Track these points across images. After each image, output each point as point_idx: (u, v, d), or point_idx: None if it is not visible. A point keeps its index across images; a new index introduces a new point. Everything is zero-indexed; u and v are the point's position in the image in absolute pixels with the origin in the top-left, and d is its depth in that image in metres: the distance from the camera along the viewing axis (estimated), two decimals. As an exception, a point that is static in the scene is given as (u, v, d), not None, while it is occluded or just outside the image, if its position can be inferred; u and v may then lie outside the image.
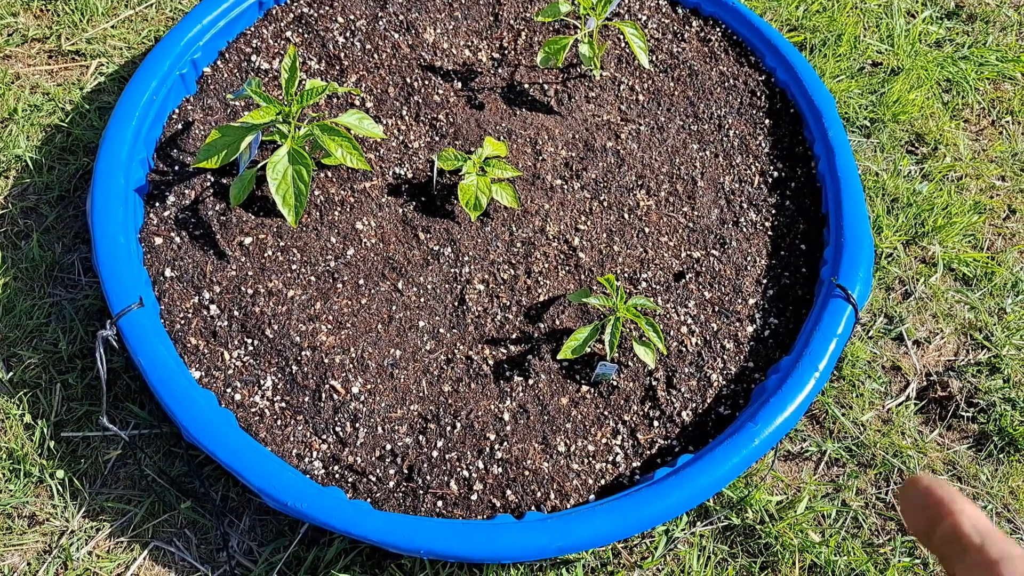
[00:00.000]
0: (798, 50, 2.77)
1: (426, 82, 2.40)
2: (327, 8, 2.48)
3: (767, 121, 2.46)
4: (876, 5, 3.05)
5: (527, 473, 1.82)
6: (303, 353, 1.90)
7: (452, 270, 2.09)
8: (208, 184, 2.11)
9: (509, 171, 2.14)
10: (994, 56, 2.96)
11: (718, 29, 2.65)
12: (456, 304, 2.04)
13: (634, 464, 1.88)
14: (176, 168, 2.13)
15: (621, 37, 2.59)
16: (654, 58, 2.56)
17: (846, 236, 2.11)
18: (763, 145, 2.42)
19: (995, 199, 2.59)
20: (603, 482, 1.84)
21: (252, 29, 2.42)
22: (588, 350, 1.99)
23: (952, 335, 2.30)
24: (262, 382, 1.86)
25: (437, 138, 2.31)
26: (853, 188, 2.20)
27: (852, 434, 2.08)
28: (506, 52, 2.53)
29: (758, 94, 2.51)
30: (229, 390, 1.84)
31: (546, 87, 2.46)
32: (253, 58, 2.36)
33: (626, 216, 2.24)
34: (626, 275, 2.14)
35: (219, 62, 2.34)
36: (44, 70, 2.45)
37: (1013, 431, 2.09)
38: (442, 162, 2.11)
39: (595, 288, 2.11)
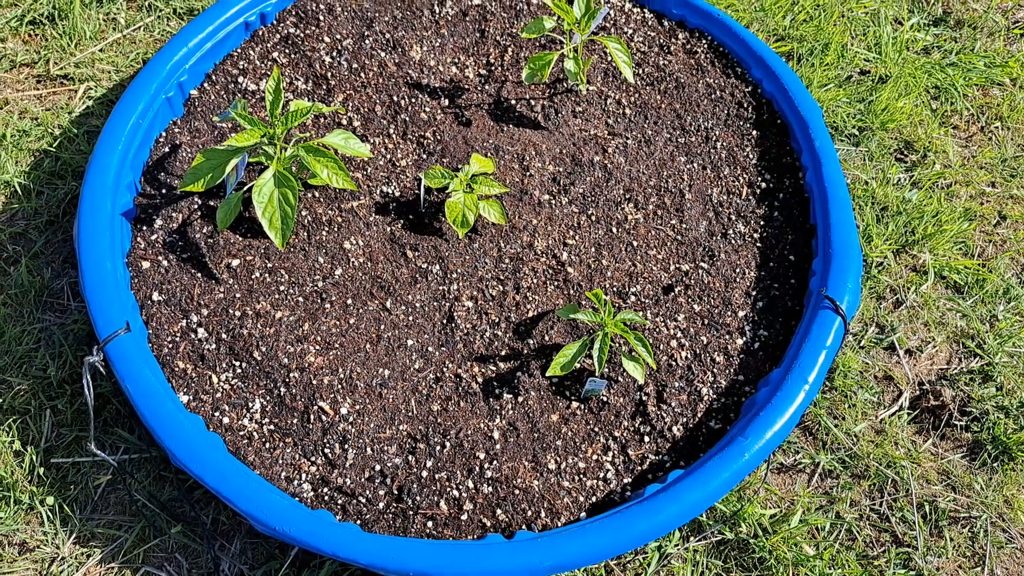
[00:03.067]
0: (785, 60, 2.77)
1: (413, 100, 2.41)
2: (313, 28, 2.49)
3: (754, 132, 2.47)
4: (863, 13, 3.06)
5: (517, 492, 1.81)
6: (291, 375, 1.89)
7: (440, 288, 2.08)
8: (195, 207, 2.11)
9: (496, 188, 2.14)
10: (982, 62, 2.96)
11: (704, 41, 2.66)
12: (445, 322, 2.04)
13: (625, 480, 1.87)
14: (163, 191, 2.13)
15: (607, 51, 2.59)
16: (640, 71, 2.57)
17: (834, 247, 2.11)
18: (750, 156, 2.42)
19: (985, 206, 2.59)
20: (594, 499, 1.84)
21: (239, 50, 2.43)
22: (577, 366, 1.98)
23: (944, 343, 2.29)
24: (250, 405, 1.86)
25: (424, 156, 2.31)
26: (840, 198, 2.20)
27: (845, 445, 2.08)
28: (493, 68, 2.53)
29: (745, 105, 2.51)
30: (217, 414, 1.83)
31: (533, 103, 2.46)
32: (240, 79, 2.37)
33: (614, 230, 2.24)
34: (615, 289, 2.14)
35: (206, 84, 2.34)
36: (33, 95, 2.46)
37: (1007, 439, 2.08)
38: (429, 180, 2.12)
39: (583, 303, 2.10)
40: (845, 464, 2.06)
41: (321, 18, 2.51)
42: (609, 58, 2.57)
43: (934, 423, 2.15)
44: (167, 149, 2.20)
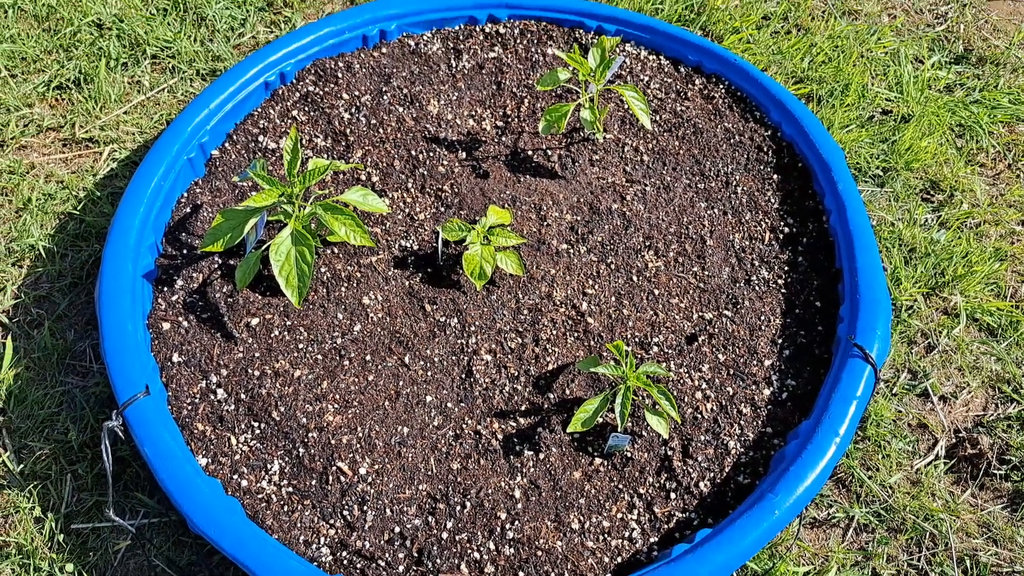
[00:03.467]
0: (804, 103, 2.75)
1: (431, 154, 2.41)
2: (332, 85, 2.52)
3: (775, 176, 2.44)
4: (883, 53, 3.04)
5: (540, 553, 1.76)
6: (310, 435, 1.88)
7: (459, 341, 2.06)
8: (216, 266, 2.12)
9: (513, 239, 2.13)
10: (1006, 99, 2.92)
11: (721, 86, 2.65)
12: (463, 376, 2.01)
13: (651, 540, 1.82)
14: (185, 252, 2.15)
15: (623, 99, 2.59)
16: (658, 118, 2.56)
17: (861, 292, 2.06)
18: (772, 201, 2.39)
19: (1016, 245, 2.52)
20: (619, 560, 1.78)
21: (259, 110, 2.46)
22: (600, 420, 1.94)
23: (979, 389, 2.22)
24: (269, 466, 1.84)
25: (442, 209, 2.31)
26: (866, 242, 2.16)
27: (880, 498, 2.00)
28: (510, 120, 2.54)
29: (765, 149, 2.49)
30: (236, 476, 1.82)
31: (550, 152, 2.46)
32: (260, 138, 2.40)
33: (634, 278, 2.21)
34: (636, 339, 2.11)
35: (227, 144, 2.37)
36: (58, 158, 2.51)
37: (1050, 489, 2.00)
38: (446, 233, 2.11)
39: (605, 355, 2.07)
40: (880, 517, 1.98)
41: (340, 75, 2.54)
42: (626, 106, 2.57)
43: (972, 472, 2.07)
44: (188, 210, 2.23)
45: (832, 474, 2.04)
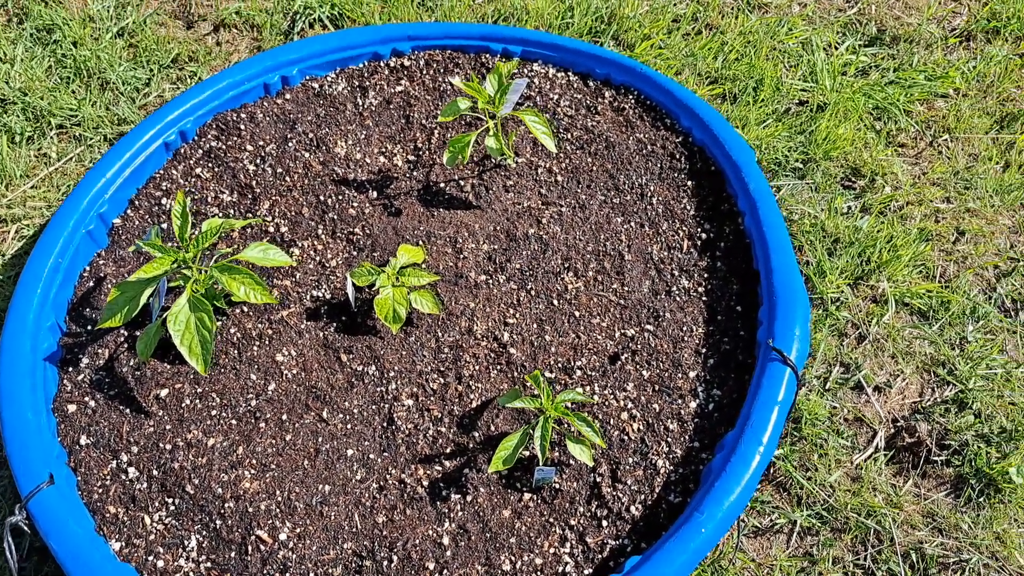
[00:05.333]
0: (720, 102, 2.74)
1: (340, 197, 2.37)
2: (235, 138, 2.48)
3: (689, 182, 2.41)
4: (794, 44, 3.02)
5: (470, 600, 1.72)
6: (226, 505, 1.82)
7: (378, 389, 2.02)
8: (122, 339, 2.07)
9: (425, 277, 2.09)
10: (922, 76, 2.91)
11: (631, 96, 2.62)
12: (385, 425, 1.97)
13: (586, 572, 1.77)
14: (89, 328, 2.09)
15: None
16: (569, 136, 2.53)
17: (778, 293, 2.03)
18: (688, 208, 2.36)
19: (941, 223, 2.50)
20: (553, 597, 1.74)
21: (162, 171, 2.41)
22: (527, 453, 1.90)
23: (914, 375, 2.19)
24: (186, 543, 1.78)
25: (355, 253, 2.27)
26: (780, 241, 2.13)
27: (821, 498, 1.97)
28: (421, 153, 2.50)
29: (677, 156, 2.46)
30: (151, 558, 1.76)
31: (463, 183, 2.42)
32: (164, 201, 2.35)
33: (555, 302, 2.18)
34: (560, 365, 2.07)
35: (129, 211, 2.33)
36: (-36, 243, 2.45)
37: (990, 470, 1.97)
38: (356, 278, 2.07)
39: (528, 386, 2.03)
40: (823, 519, 1.95)
41: (243, 127, 2.50)
42: (535, 127, 2.53)
43: (913, 462, 2.04)
44: (92, 283, 2.17)
45: (770, 479, 2.00)
